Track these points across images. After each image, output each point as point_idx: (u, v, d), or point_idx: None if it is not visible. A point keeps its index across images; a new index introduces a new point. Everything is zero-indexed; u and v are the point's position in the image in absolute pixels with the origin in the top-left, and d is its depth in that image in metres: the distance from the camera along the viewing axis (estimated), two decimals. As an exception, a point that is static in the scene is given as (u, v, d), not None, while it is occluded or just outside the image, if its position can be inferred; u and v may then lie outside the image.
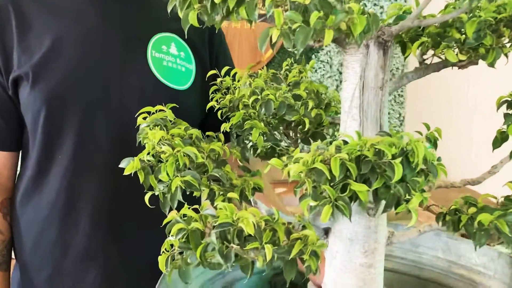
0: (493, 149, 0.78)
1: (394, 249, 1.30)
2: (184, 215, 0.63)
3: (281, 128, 0.81)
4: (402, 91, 3.36)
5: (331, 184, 0.56)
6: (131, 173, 0.70)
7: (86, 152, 1.05)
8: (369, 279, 0.91)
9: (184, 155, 0.68)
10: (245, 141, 0.79)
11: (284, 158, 0.61)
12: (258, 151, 0.79)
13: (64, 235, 1.08)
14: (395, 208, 0.61)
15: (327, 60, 3.17)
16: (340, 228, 0.91)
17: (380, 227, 0.90)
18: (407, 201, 0.59)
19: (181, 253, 0.64)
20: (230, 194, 0.70)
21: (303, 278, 0.78)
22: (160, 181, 0.72)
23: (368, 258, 0.90)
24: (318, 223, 0.90)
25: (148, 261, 1.05)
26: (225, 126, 0.80)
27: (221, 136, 0.80)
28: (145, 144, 0.73)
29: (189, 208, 0.62)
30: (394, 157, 0.54)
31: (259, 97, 0.79)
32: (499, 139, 0.77)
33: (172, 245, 0.60)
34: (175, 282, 0.70)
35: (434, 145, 0.78)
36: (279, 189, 2.34)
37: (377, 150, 0.55)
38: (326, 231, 0.94)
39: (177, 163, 0.68)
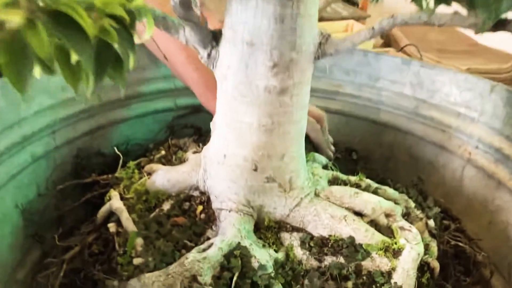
0: None
1: (343, 84, 0.93)
2: None
3: None
4: None
5: None
6: None
7: None
8: (281, 113, 0.54)
9: None
10: None
11: None
12: None
13: None
14: None
15: None
16: (233, 21, 0.50)
17: (301, 21, 0.49)
18: None
19: None
20: None
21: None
22: None
23: (279, 78, 0.51)
24: (191, 15, 0.49)
25: None
26: None
27: None
28: None
29: None
30: None
31: None
32: None
33: None
34: None
35: None
36: None
37: None
38: (216, 35, 0.54)
39: None
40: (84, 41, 0.23)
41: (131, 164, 0.70)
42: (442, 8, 0.43)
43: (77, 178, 0.75)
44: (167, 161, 0.72)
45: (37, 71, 0.27)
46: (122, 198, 0.64)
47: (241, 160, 0.56)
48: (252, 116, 0.53)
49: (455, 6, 0.41)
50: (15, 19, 0.20)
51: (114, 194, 0.64)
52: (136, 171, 0.69)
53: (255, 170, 0.56)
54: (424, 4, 0.38)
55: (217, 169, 0.59)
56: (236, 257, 0.54)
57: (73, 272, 0.60)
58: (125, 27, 0.28)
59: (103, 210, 0.63)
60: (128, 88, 0.86)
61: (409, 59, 0.88)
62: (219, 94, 0.56)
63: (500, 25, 0.38)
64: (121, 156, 0.74)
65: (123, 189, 0.65)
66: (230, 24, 0.51)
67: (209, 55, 0.54)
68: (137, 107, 0.88)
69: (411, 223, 0.62)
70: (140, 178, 0.67)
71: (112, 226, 0.60)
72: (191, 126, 0.86)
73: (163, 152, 0.73)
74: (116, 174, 0.69)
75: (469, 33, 1.91)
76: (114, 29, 0.26)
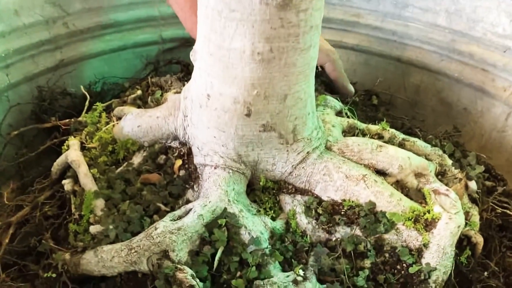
0: None
1: (363, 13, 0.77)
2: None
3: None
4: None
5: None
6: None
7: None
8: (283, 36, 0.39)
9: None
10: None
11: None
12: None
13: None
14: None
15: None
16: None
17: None
18: None
19: None
20: None
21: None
22: None
23: (280, -15, 0.36)
24: None
25: None
26: None
27: None
28: None
29: None
30: None
31: None
32: None
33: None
34: None
35: None
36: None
37: None
38: None
39: None
40: None
41: (99, 106, 0.56)
42: None
43: (38, 123, 0.62)
44: (144, 103, 0.58)
45: None
46: (83, 148, 0.51)
47: (229, 102, 0.43)
48: (243, 40, 0.39)
49: None
50: None
51: (73, 143, 0.51)
52: (103, 114, 0.55)
53: (248, 115, 0.43)
54: None
55: (200, 113, 0.45)
56: (221, 227, 0.41)
57: (24, 238, 0.49)
58: None
59: (58, 162, 0.50)
60: (101, 15, 0.71)
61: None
62: (199, 8, 0.41)
63: None
64: (88, 96, 0.61)
65: (85, 136, 0.52)
66: None
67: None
68: (113, 38, 0.74)
69: (446, 185, 0.49)
70: (108, 123, 0.53)
71: (68, 183, 0.48)
72: (177, 62, 0.71)
73: (139, 92, 0.60)
74: (80, 118, 0.56)
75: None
76: None
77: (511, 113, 0.66)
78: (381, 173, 0.48)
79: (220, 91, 0.43)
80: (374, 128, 0.55)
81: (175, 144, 0.49)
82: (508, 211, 0.50)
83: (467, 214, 0.48)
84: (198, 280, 0.38)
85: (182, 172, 0.47)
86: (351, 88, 0.66)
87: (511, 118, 0.66)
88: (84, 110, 0.59)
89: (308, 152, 0.46)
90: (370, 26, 0.78)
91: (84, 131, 0.53)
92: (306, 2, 0.38)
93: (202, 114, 0.45)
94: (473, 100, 0.71)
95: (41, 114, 0.63)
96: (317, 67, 0.54)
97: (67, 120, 0.58)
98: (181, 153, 0.48)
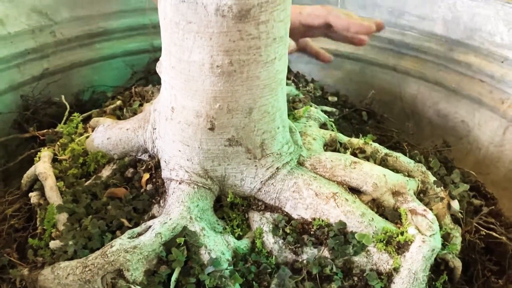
0: None
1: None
2: None
3: None
4: None
5: None
6: None
7: None
8: (243, 49, 0.38)
9: None
10: None
11: None
12: None
13: None
14: None
15: None
16: None
17: None
18: None
19: None
20: None
21: None
22: None
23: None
24: None
25: None
26: None
27: None
28: None
29: None
30: None
31: None
32: None
33: None
34: None
35: None
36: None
37: None
38: None
39: None
40: None
41: (76, 116, 0.56)
42: None
43: (21, 132, 0.62)
44: (122, 113, 0.58)
45: None
46: (55, 160, 0.50)
47: (192, 116, 0.41)
48: (202, 53, 0.38)
49: None
50: None
51: (44, 154, 0.50)
52: (80, 125, 0.55)
53: (212, 129, 0.41)
54: None
55: (166, 126, 0.44)
56: (180, 246, 0.40)
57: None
58: None
59: (28, 174, 0.50)
60: (90, 23, 0.71)
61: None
62: (160, 20, 0.40)
63: None
64: (67, 106, 0.60)
65: (58, 148, 0.52)
66: None
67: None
68: (103, 47, 0.74)
69: (427, 204, 0.46)
70: (82, 135, 0.53)
71: (34, 196, 0.47)
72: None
73: (118, 102, 0.59)
74: (57, 129, 0.56)
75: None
76: None
77: (509, 127, 0.63)
78: (355, 190, 0.45)
79: (183, 104, 0.41)
80: (356, 141, 0.52)
81: (145, 157, 0.48)
82: (493, 233, 0.47)
83: (448, 235, 0.45)
84: (151, 302, 0.37)
85: (149, 187, 0.46)
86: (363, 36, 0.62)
87: (509, 132, 0.63)
88: (63, 121, 0.58)
89: (277, 168, 0.44)
90: (365, 34, 0.75)
91: (58, 142, 0.52)
92: (266, 14, 0.37)
93: (168, 127, 0.44)
94: (470, 112, 0.68)
95: (23, 124, 0.63)
96: None
97: (45, 130, 0.58)
98: (149, 167, 0.47)
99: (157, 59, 0.78)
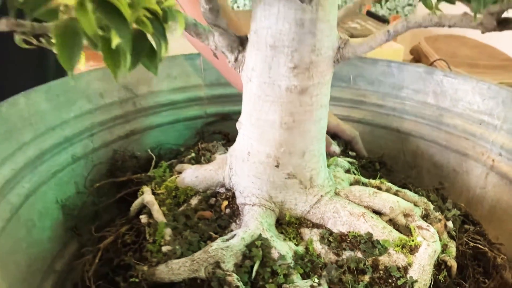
0: None
1: (367, 93, 0.95)
2: None
3: None
4: None
5: None
6: None
7: None
8: (302, 112, 0.57)
9: None
10: None
11: None
12: None
13: None
14: None
15: None
16: (257, 26, 0.55)
17: (321, 25, 0.53)
18: None
19: None
20: None
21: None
22: None
23: (299, 79, 0.55)
24: (220, 21, 0.54)
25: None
26: None
27: None
28: None
29: None
30: None
31: None
32: None
33: None
34: None
35: None
36: None
37: None
38: (242, 40, 0.58)
39: None
40: (124, 25, 0.27)
41: (163, 164, 0.75)
42: (453, 10, 0.46)
43: (113, 178, 0.80)
44: (196, 162, 0.76)
45: (82, 61, 0.32)
46: (154, 194, 0.68)
47: (264, 157, 0.60)
48: (274, 114, 0.57)
49: (464, 7, 0.44)
50: (69, 1, 0.25)
51: (146, 189, 0.68)
52: (167, 170, 0.73)
53: (277, 166, 0.60)
54: (432, 2, 0.41)
55: (242, 166, 0.63)
56: (257, 247, 0.57)
57: (107, 261, 0.64)
58: (159, 19, 0.32)
59: (136, 203, 0.67)
60: (160, 96, 0.92)
61: (432, 69, 0.90)
62: (244, 95, 0.60)
63: (504, 23, 0.41)
64: (154, 157, 0.79)
65: (154, 185, 0.70)
66: (255, 29, 0.55)
67: (236, 59, 0.58)
68: (169, 114, 0.93)
69: (429, 224, 0.63)
70: (171, 176, 0.71)
71: (143, 217, 0.64)
72: (219, 132, 0.90)
73: (193, 154, 0.78)
74: (149, 173, 0.74)
75: (502, 48, 1.89)
76: (149, 20, 0.31)
77: (489, 173, 0.81)
78: (377, 212, 0.63)
79: (257, 149, 0.60)
80: (373, 181, 0.71)
81: (222, 190, 0.66)
82: (480, 246, 0.64)
83: (446, 246, 0.62)
84: (241, 283, 0.53)
85: (227, 210, 0.64)
86: (364, 153, 0.86)
87: (489, 177, 0.81)
88: (152, 167, 0.77)
89: (321, 196, 0.62)
90: (373, 104, 0.96)
91: (153, 182, 0.71)
92: (316, 90, 0.57)
93: (244, 166, 0.62)
94: (459, 162, 0.87)
95: (114, 171, 0.81)
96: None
97: (138, 174, 0.76)
98: (227, 196, 0.65)
99: (208, 123, 0.99)
